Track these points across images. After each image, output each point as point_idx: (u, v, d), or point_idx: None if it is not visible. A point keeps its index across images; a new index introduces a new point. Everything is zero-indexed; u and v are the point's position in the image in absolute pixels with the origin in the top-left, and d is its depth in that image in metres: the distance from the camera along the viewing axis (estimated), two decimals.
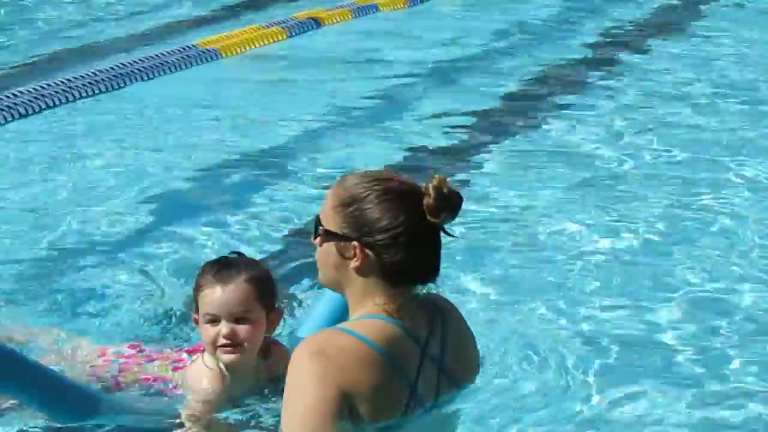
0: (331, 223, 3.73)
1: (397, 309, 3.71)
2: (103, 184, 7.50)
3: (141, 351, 4.68)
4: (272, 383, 4.35)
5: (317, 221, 3.78)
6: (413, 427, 3.75)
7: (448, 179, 3.70)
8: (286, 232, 6.71)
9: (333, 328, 3.78)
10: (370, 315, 3.73)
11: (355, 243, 3.69)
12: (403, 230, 3.67)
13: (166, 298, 5.68)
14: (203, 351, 4.36)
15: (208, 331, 4.25)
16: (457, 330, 3.91)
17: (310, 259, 5.93)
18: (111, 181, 7.56)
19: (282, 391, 4.23)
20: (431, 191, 3.67)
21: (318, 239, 3.78)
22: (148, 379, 4.49)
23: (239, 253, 4.46)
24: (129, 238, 6.68)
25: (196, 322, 4.34)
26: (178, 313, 5.39)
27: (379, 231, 3.67)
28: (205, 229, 6.74)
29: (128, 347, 4.71)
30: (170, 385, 4.42)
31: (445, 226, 3.76)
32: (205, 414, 4.22)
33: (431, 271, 3.77)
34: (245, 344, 4.25)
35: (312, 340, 3.70)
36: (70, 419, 4.17)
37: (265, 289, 4.30)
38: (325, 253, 3.78)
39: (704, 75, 10.18)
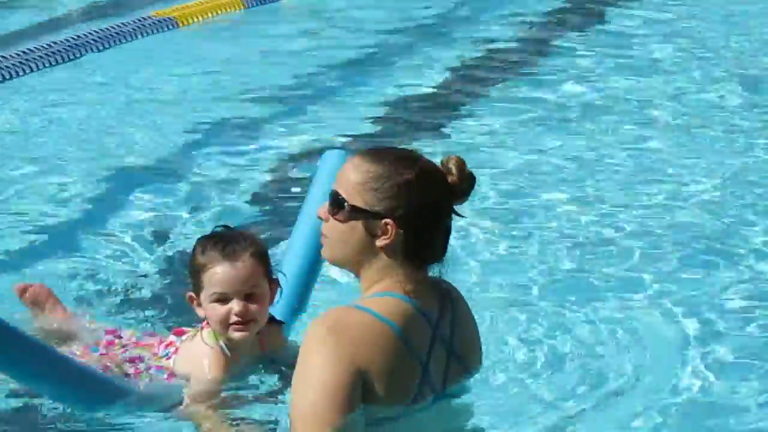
0: (357, 199, 3.69)
1: (413, 288, 3.71)
2: (62, 155, 7.44)
3: (119, 338, 4.59)
4: (265, 357, 4.34)
5: (339, 197, 3.73)
6: (424, 418, 3.73)
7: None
8: (247, 199, 6.72)
9: (347, 306, 3.72)
10: (383, 292, 3.71)
11: (387, 220, 3.67)
12: (431, 209, 3.70)
13: (138, 279, 5.61)
14: (202, 329, 4.30)
15: (216, 310, 4.19)
16: (465, 318, 3.89)
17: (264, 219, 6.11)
18: (70, 152, 7.49)
19: (279, 364, 4.31)
20: (455, 171, 3.71)
21: (340, 215, 3.73)
22: (135, 363, 4.40)
23: (227, 226, 4.40)
24: (88, 212, 6.62)
25: (192, 300, 4.27)
26: (151, 293, 5.38)
27: (409, 209, 3.67)
28: (167, 198, 6.72)
29: (105, 332, 4.62)
30: (165, 374, 4.34)
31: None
32: (210, 393, 4.17)
33: (442, 251, 3.78)
34: (257, 319, 4.23)
35: (326, 317, 3.67)
36: (77, 404, 4.10)
37: (267, 262, 4.28)
38: (348, 229, 3.72)
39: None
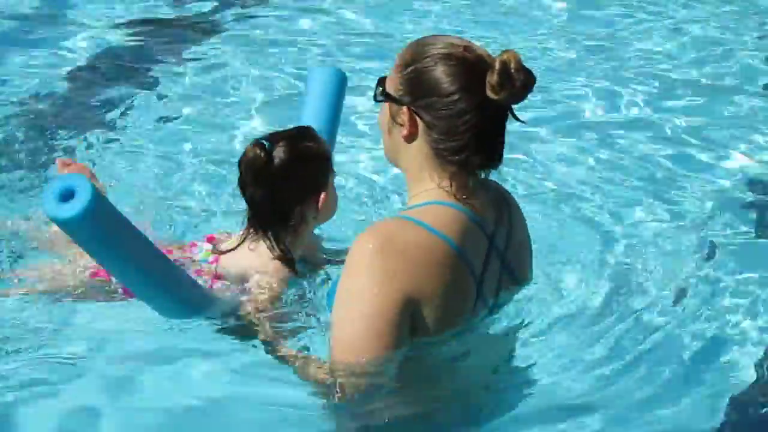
0: (390, 83, 3.43)
1: (461, 192, 3.38)
2: None
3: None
4: (309, 263, 4.34)
5: (380, 80, 3.47)
6: (475, 337, 3.47)
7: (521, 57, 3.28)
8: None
9: (399, 217, 3.39)
10: (436, 201, 3.39)
11: (404, 108, 3.38)
12: (458, 100, 3.32)
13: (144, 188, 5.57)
14: (256, 240, 4.24)
15: (335, 193, 4.39)
16: (520, 225, 3.63)
17: None
18: None
19: (318, 271, 4.30)
20: (497, 65, 3.28)
21: (378, 98, 3.48)
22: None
23: (269, 136, 4.28)
24: None
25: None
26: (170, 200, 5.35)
27: (431, 98, 3.34)
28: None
29: None
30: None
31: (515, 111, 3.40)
32: (273, 302, 4.12)
33: (492, 156, 3.41)
34: None
35: (376, 231, 3.32)
36: (175, 315, 3.93)
37: None
38: (381, 114, 3.48)
39: None
